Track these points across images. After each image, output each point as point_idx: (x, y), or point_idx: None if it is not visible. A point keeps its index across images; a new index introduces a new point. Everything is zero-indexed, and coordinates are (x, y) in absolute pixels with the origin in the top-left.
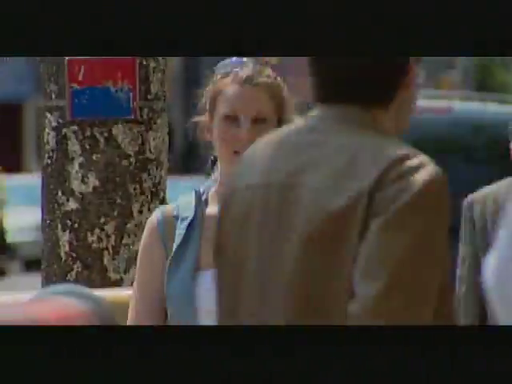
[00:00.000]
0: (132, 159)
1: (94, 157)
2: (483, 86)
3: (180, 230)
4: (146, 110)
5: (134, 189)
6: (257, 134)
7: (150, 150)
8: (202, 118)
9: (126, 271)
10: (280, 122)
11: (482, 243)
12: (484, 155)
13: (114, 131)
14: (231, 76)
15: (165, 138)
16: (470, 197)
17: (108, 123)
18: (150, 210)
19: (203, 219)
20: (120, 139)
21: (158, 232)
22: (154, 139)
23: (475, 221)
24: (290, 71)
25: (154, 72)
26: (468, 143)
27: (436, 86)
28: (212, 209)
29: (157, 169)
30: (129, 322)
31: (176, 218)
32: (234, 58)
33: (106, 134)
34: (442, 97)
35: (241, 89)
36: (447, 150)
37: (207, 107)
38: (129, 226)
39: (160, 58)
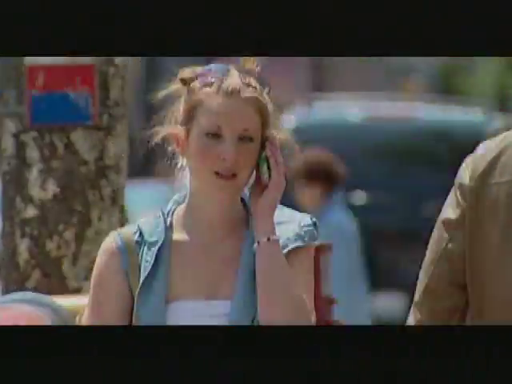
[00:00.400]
0: (91, 166)
1: (53, 163)
2: (447, 89)
3: (148, 257)
4: (105, 116)
5: (93, 195)
6: (242, 155)
7: (109, 156)
8: (172, 130)
9: (85, 278)
10: (263, 139)
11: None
12: (447, 161)
13: (73, 137)
14: (215, 86)
15: (124, 145)
16: None
17: (67, 129)
18: (109, 217)
19: (171, 244)
20: (79, 145)
21: (120, 262)
22: (113, 145)
23: None
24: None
25: (113, 78)
26: (431, 149)
27: (400, 90)
28: (178, 234)
29: (116, 175)
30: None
31: (138, 243)
32: (214, 65)
33: (65, 141)
34: (405, 100)
35: (227, 102)
36: (409, 157)
37: (181, 119)
38: (88, 233)
39: (120, 64)
